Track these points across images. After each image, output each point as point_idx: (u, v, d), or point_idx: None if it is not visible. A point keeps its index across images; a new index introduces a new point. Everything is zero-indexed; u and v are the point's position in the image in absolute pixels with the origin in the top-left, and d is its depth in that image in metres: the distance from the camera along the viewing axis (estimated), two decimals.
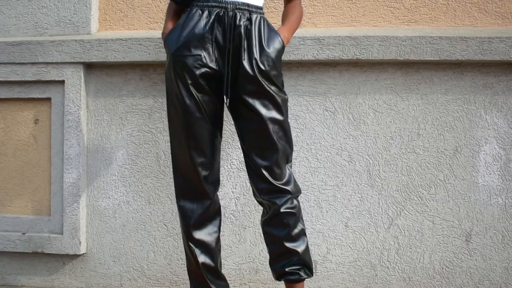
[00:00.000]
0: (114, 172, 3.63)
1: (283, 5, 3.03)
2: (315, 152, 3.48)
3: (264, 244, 3.41)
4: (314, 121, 3.47)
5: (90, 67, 3.63)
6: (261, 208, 3.40)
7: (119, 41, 3.53)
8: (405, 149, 3.44)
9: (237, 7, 2.75)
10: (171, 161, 3.44)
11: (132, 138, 3.60)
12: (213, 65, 2.75)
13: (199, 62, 2.73)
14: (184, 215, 2.91)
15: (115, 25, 3.73)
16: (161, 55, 3.48)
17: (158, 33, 3.58)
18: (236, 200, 3.53)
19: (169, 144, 3.48)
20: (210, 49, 2.75)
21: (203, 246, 2.91)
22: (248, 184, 3.48)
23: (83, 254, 3.64)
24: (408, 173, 3.44)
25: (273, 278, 3.38)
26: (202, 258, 2.91)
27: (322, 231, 3.48)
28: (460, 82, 3.41)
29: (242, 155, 3.44)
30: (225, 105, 2.86)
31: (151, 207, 3.59)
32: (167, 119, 3.51)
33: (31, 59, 3.61)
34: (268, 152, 2.80)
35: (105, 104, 3.63)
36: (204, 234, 2.91)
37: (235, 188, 3.53)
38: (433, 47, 3.34)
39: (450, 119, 3.42)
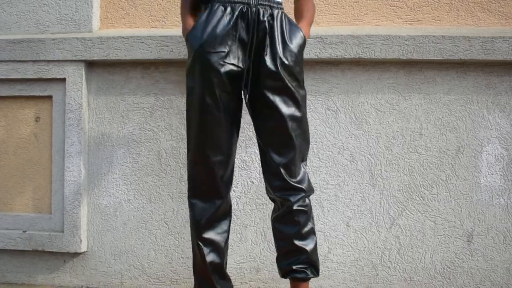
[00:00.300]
0: (115, 170, 3.65)
1: (293, 1, 3.05)
2: (317, 151, 3.50)
3: (265, 243, 3.45)
4: (316, 120, 3.50)
5: (91, 65, 3.65)
6: (262, 207, 3.45)
7: (120, 39, 3.55)
8: (407, 148, 3.46)
9: (260, 2, 2.77)
10: (172, 159, 3.48)
11: (133, 136, 3.62)
12: (236, 62, 2.76)
13: (223, 59, 2.73)
14: (195, 213, 2.91)
15: (117, 23, 3.75)
16: (163, 53, 3.51)
17: (160, 31, 3.62)
18: (237, 199, 3.55)
19: (170, 142, 3.54)
20: (234, 46, 2.75)
21: (212, 245, 2.92)
22: (249, 183, 3.51)
23: (84, 252, 3.66)
24: (410, 173, 3.46)
25: (274, 277, 3.43)
26: (210, 257, 2.91)
27: (323, 230, 3.51)
28: (462, 82, 3.44)
29: (243, 154, 3.49)
30: (244, 103, 2.88)
31: (152, 205, 3.61)
32: (168, 118, 3.55)
33: (33, 57, 3.63)
34: (285, 149, 2.81)
35: (107, 102, 3.66)
36: (214, 234, 2.92)
37: (236, 187, 3.55)
38: (436, 47, 3.36)
39: (452, 119, 3.44)
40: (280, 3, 2.84)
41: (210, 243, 2.91)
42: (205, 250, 2.90)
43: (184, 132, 3.52)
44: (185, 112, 3.50)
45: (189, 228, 3.39)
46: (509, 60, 3.35)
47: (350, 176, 3.49)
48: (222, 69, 2.73)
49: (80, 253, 3.67)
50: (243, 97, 2.82)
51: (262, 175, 2.93)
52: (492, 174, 3.43)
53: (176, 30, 3.60)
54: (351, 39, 3.39)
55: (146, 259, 3.63)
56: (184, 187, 3.54)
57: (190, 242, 3.48)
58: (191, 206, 2.92)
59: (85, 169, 3.64)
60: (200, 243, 2.90)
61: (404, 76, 3.46)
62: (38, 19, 3.74)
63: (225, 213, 2.97)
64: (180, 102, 3.57)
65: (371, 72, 3.48)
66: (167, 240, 3.61)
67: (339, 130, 3.49)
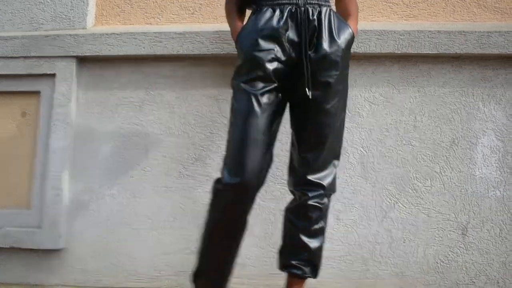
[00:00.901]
0: (100, 165, 3.70)
1: (335, 2, 3.15)
2: None
3: (250, 238, 3.45)
4: None
5: (83, 60, 3.76)
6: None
7: (113, 35, 3.68)
8: (400, 141, 3.52)
9: (308, 2, 2.88)
10: (159, 153, 3.55)
11: (121, 130, 3.70)
12: (285, 60, 2.84)
13: (272, 56, 2.81)
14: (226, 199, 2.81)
15: (112, 21, 3.90)
16: (156, 49, 3.63)
17: (154, 28, 3.75)
18: None
19: (158, 136, 3.61)
20: (284, 45, 2.84)
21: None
22: None
23: (62, 249, 3.67)
24: (403, 165, 3.51)
25: (259, 273, 3.44)
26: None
27: None
28: (458, 75, 3.53)
29: None
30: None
31: (136, 200, 3.64)
32: (158, 112, 3.64)
33: (24, 53, 3.75)
34: (317, 145, 2.89)
35: (96, 97, 3.74)
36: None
37: None
38: (431, 41, 3.47)
39: (447, 111, 3.51)
40: (328, 0, 2.96)
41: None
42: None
43: (173, 126, 3.63)
44: (174, 106, 3.64)
45: (179, 218, 3.46)
46: (505, 53, 3.45)
47: (341, 169, 3.51)
48: (270, 66, 2.81)
49: (58, 250, 3.67)
50: (307, 94, 2.88)
51: None
52: (487, 166, 3.48)
53: (171, 27, 3.75)
54: None
55: (127, 256, 3.63)
56: (170, 181, 3.62)
57: (173, 237, 3.55)
58: (220, 192, 2.81)
59: (69, 164, 3.70)
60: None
61: (399, 70, 3.56)
62: (32, 17, 3.88)
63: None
64: (170, 97, 3.66)
65: (365, 66, 3.58)
66: (149, 236, 3.62)
67: None
